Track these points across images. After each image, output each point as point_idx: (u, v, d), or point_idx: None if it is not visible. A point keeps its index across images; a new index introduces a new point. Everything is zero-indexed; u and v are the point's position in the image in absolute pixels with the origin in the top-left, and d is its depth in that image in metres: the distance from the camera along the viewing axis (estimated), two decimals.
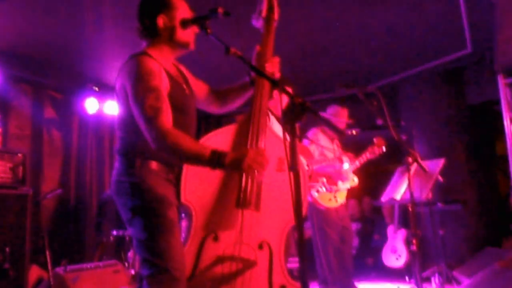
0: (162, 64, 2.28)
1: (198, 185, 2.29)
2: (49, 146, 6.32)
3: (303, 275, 1.85)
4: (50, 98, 6.47)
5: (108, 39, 5.28)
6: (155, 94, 2.13)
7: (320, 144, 4.75)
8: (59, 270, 4.28)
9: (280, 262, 2.36)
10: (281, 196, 2.35)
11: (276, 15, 2.63)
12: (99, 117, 6.73)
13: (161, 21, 2.31)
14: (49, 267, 4.23)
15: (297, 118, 1.91)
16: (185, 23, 2.32)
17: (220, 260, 2.24)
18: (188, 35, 2.37)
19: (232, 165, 2.13)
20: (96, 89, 6.40)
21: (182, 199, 2.26)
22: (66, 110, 6.58)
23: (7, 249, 3.85)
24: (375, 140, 4.92)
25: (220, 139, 2.37)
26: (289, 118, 1.92)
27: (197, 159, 2.14)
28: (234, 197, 2.29)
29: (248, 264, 2.27)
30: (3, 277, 3.76)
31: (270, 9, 2.60)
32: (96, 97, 6.44)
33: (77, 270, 4.38)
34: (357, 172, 4.96)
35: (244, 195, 2.28)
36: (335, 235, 4.79)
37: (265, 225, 2.35)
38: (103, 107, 6.58)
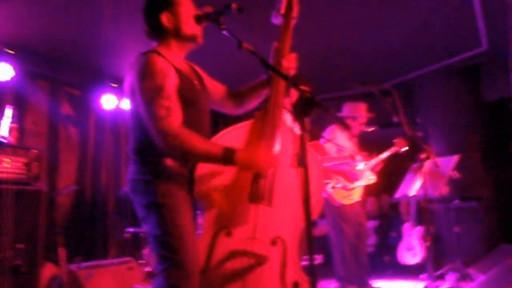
0: (171, 61, 2.29)
1: (212, 180, 2.29)
2: (66, 143, 6.35)
3: (312, 271, 1.84)
4: (67, 94, 6.51)
5: (125, 35, 5.28)
6: (163, 94, 2.13)
7: (336, 143, 4.74)
8: (73, 267, 4.29)
9: (294, 259, 2.34)
10: (295, 192, 2.31)
11: (295, 13, 2.61)
12: (116, 114, 6.73)
13: (165, 18, 2.32)
14: (63, 264, 4.25)
15: (307, 113, 1.91)
16: (199, 19, 2.32)
17: (232, 255, 2.24)
18: (194, 28, 2.36)
19: (242, 165, 2.19)
20: (114, 85, 6.43)
21: (196, 194, 2.27)
22: (83, 107, 6.61)
23: (20, 246, 3.86)
24: (396, 140, 4.90)
25: (235, 136, 2.37)
26: (298, 113, 1.92)
27: (208, 158, 2.17)
28: (247, 192, 2.28)
29: (261, 260, 2.26)
30: (15, 274, 3.78)
31: (289, 6, 2.59)
32: (114, 93, 6.46)
33: (91, 267, 4.39)
34: (375, 170, 4.95)
35: (257, 190, 2.28)
36: (350, 232, 4.79)
37: (279, 221, 2.34)
38: (120, 103, 6.57)
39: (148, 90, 2.14)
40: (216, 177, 2.30)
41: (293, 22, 2.60)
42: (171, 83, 2.20)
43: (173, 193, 2.21)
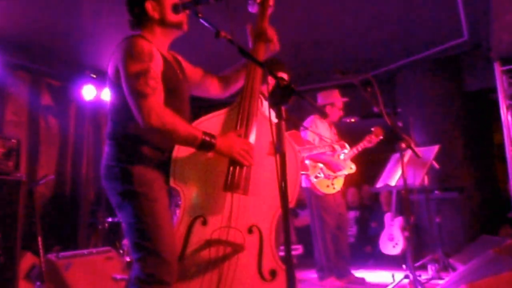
0: (156, 47, 2.28)
1: (187, 169, 2.28)
2: (46, 133, 6.34)
3: (288, 258, 1.84)
4: (47, 85, 6.49)
5: (105, 26, 5.27)
6: (149, 74, 2.13)
7: (317, 132, 4.75)
8: (51, 256, 4.26)
9: (271, 247, 2.34)
10: (272, 180, 2.31)
11: (271, 1, 2.61)
12: (96, 104, 6.73)
13: (149, 6, 2.30)
14: (42, 253, 4.22)
15: (283, 101, 1.90)
16: (176, 8, 2.30)
17: (208, 243, 2.23)
18: (178, 16, 2.35)
19: (220, 152, 2.20)
20: (94, 76, 6.39)
21: (171, 183, 2.25)
22: (63, 97, 6.59)
23: None
24: (373, 129, 4.94)
25: (212, 123, 2.35)
26: (275, 101, 1.91)
27: (188, 140, 2.16)
28: (222, 180, 2.28)
29: (237, 248, 2.25)
30: None
31: None
32: (94, 84, 6.43)
33: (69, 257, 4.34)
34: (355, 160, 4.98)
35: (232, 178, 2.27)
36: (332, 221, 4.84)
37: (255, 209, 2.33)
38: (100, 94, 6.56)
39: (134, 69, 2.12)
40: (191, 166, 2.28)
41: (269, 10, 2.60)
42: (157, 66, 2.19)
43: (149, 181, 2.19)
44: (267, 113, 3.23)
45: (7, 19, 5.12)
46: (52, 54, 6.17)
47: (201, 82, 2.63)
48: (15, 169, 4.22)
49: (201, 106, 6.28)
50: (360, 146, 4.93)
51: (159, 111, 2.09)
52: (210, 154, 2.25)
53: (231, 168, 2.28)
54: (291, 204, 2.24)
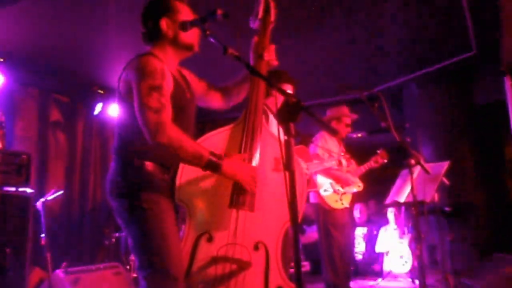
0: (167, 65, 2.30)
1: (192, 185, 2.28)
2: (55, 149, 6.38)
3: (298, 276, 1.82)
4: (55, 101, 6.54)
5: (113, 43, 5.33)
6: (160, 91, 2.14)
7: (327, 148, 4.74)
8: (59, 272, 4.27)
9: (277, 263, 2.32)
10: (277, 196, 2.32)
11: (272, 17, 2.62)
12: (103, 120, 6.81)
13: (164, 24, 2.33)
14: (49, 268, 4.22)
15: (292, 118, 1.89)
16: (184, 25, 2.31)
17: (214, 260, 2.22)
18: (191, 37, 2.38)
19: (226, 175, 2.22)
20: (101, 92, 6.45)
21: (177, 199, 2.25)
22: (72, 113, 6.66)
23: (8, 250, 3.84)
24: (379, 151, 4.97)
25: (217, 140, 2.36)
26: (283, 117, 1.90)
27: (194, 158, 2.15)
28: (228, 197, 2.27)
29: (243, 265, 2.24)
30: (2, 278, 3.75)
31: (267, 10, 2.59)
32: (101, 100, 6.50)
33: (77, 272, 4.35)
34: (363, 177, 4.97)
35: (237, 195, 2.27)
36: (340, 238, 4.78)
37: (261, 226, 2.32)
38: (107, 110, 6.63)
39: (147, 85, 2.14)
40: (197, 183, 2.28)
41: (270, 26, 2.61)
42: (168, 85, 2.21)
43: (155, 197, 2.19)
44: (275, 128, 3.23)
45: (16, 35, 5.17)
46: (61, 71, 6.22)
47: (205, 95, 2.64)
48: (24, 184, 4.25)
49: (205, 121, 6.33)
50: (366, 166, 4.97)
51: (167, 127, 2.09)
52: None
53: (236, 185, 2.28)
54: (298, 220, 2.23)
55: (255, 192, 2.30)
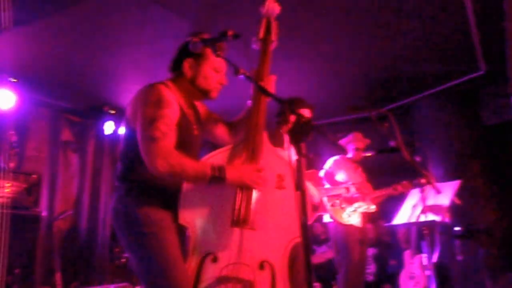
0: (177, 97, 2.33)
1: (194, 206, 2.28)
2: (65, 169, 6.40)
3: None
4: (67, 121, 6.59)
5: (124, 63, 5.37)
6: (164, 120, 2.16)
7: (332, 178, 4.76)
8: None
9: (284, 282, 2.28)
10: (280, 214, 2.32)
11: (274, 36, 2.60)
12: (115, 140, 6.80)
13: (187, 65, 2.38)
14: None
15: (303, 137, 1.90)
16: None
17: (219, 281, 2.20)
18: (210, 83, 2.42)
19: (231, 181, 2.21)
20: (112, 112, 6.49)
21: (180, 220, 2.25)
22: (83, 133, 6.70)
23: (17, 271, 3.83)
24: (404, 182, 4.90)
25: (219, 159, 2.34)
26: (295, 137, 1.91)
27: (198, 177, 2.18)
28: (230, 216, 2.26)
29: (248, 285, 2.20)
30: None
31: (268, 30, 2.58)
32: (112, 120, 6.53)
33: None
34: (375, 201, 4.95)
35: (238, 213, 2.26)
36: (355, 256, 4.73)
37: (265, 244, 2.29)
38: (119, 130, 6.64)
39: (149, 115, 2.17)
40: (199, 204, 2.29)
41: (272, 46, 2.60)
42: (173, 114, 2.23)
43: (157, 221, 2.21)
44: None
45: (29, 56, 5.24)
46: (72, 91, 6.28)
47: (213, 129, 2.66)
48: (35, 204, 4.27)
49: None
50: (384, 192, 4.91)
51: (166, 155, 2.11)
52: (216, 189, 2.26)
53: (237, 203, 2.27)
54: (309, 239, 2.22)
55: (265, 185, 2.30)
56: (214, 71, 2.40)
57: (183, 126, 2.30)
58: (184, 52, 2.40)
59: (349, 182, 4.69)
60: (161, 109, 2.18)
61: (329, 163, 4.98)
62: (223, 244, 2.26)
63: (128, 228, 2.22)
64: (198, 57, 2.37)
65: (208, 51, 2.37)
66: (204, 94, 2.45)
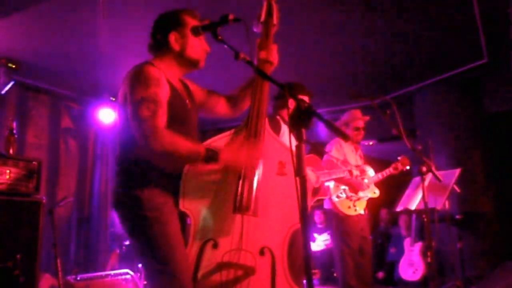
0: (166, 75, 2.30)
1: (196, 192, 2.28)
2: (65, 156, 6.42)
3: (310, 283, 1.80)
4: (66, 108, 6.59)
5: (123, 49, 5.35)
6: (153, 99, 2.14)
7: (335, 157, 4.69)
8: (70, 278, 4.29)
9: (284, 269, 2.28)
10: (281, 200, 2.31)
11: (275, 20, 2.59)
12: (114, 127, 6.78)
13: (173, 37, 2.34)
14: (60, 275, 4.23)
15: (304, 124, 1.89)
16: (195, 30, 2.31)
17: (219, 267, 2.21)
18: (198, 52, 2.40)
19: (225, 163, 2.20)
20: (113, 99, 6.48)
21: (181, 206, 2.25)
22: (83, 120, 6.70)
23: (18, 256, 3.84)
24: (399, 158, 4.88)
25: (218, 144, 2.32)
26: (295, 123, 1.90)
27: (191, 156, 2.17)
28: (231, 203, 2.26)
29: (249, 271, 2.21)
30: (13, 284, 3.75)
31: (269, 13, 2.57)
32: (112, 107, 6.51)
33: (88, 279, 4.38)
34: (377, 184, 4.91)
35: (240, 200, 2.25)
36: (354, 246, 4.69)
37: (266, 231, 2.29)
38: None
39: (139, 95, 2.15)
40: (200, 189, 2.28)
41: (273, 29, 2.58)
42: (162, 92, 2.21)
43: (159, 205, 2.19)
44: (287, 137, 3.21)
45: (28, 43, 5.23)
46: (72, 78, 6.27)
47: (207, 102, 2.63)
48: (35, 191, 4.27)
49: (208, 130, 6.34)
50: (386, 173, 4.86)
51: (158, 134, 2.09)
52: (218, 176, 2.25)
53: (239, 190, 2.26)
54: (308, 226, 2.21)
55: (259, 159, 2.29)
56: (197, 39, 2.37)
57: (175, 102, 2.27)
58: (164, 27, 2.37)
59: (350, 165, 4.64)
60: (149, 88, 2.16)
61: (329, 145, 4.92)
62: (224, 231, 2.26)
63: (130, 212, 2.21)
64: (181, 28, 2.35)
65: (187, 18, 2.36)
66: (194, 64, 2.42)
